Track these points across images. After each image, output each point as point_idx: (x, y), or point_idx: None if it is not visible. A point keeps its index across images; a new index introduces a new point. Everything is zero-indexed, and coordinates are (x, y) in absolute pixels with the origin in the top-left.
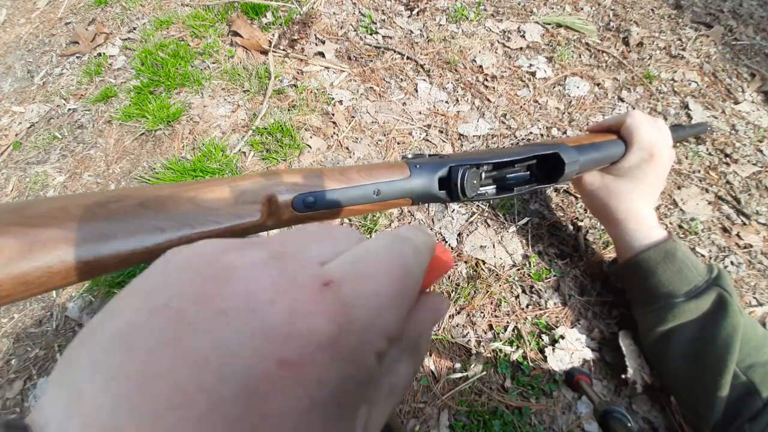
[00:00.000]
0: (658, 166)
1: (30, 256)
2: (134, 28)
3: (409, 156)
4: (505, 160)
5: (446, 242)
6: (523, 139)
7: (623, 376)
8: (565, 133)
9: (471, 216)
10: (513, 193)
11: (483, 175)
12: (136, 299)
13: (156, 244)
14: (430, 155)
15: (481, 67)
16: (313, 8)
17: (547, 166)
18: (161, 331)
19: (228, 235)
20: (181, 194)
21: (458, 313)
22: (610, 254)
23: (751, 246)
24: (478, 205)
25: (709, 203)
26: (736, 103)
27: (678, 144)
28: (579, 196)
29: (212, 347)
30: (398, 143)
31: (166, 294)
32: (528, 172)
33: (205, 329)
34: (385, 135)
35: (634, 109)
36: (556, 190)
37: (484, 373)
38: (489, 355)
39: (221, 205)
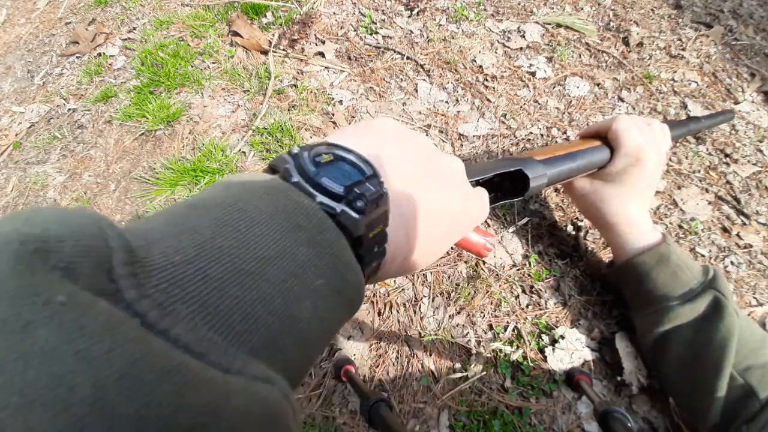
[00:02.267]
0: (646, 170)
1: None
2: (134, 28)
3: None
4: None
5: None
6: (522, 139)
7: (619, 378)
8: (565, 132)
9: None
10: None
11: None
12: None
13: None
14: None
15: (481, 67)
16: (313, 8)
17: (515, 181)
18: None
19: None
20: None
21: (458, 313)
22: (609, 255)
23: (751, 246)
24: None
25: (709, 203)
26: (736, 103)
27: (678, 143)
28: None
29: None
30: None
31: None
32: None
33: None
34: None
35: (634, 109)
36: (556, 190)
37: (484, 373)
38: (489, 355)
39: None
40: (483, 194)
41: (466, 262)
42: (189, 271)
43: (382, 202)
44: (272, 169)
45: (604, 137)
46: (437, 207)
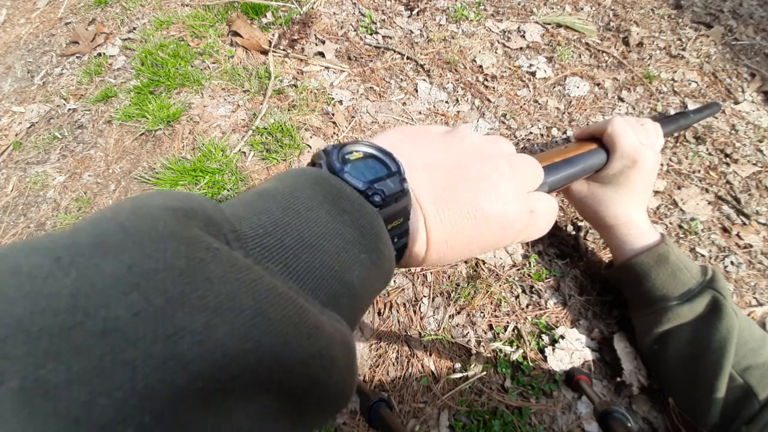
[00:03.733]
0: (642, 171)
1: None
2: (134, 28)
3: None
4: None
5: None
6: (523, 139)
7: (618, 379)
8: (565, 132)
9: None
10: None
11: None
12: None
13: None
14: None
15: (481, 67)
16: (313, 8)
17: None
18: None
19: None
20: None
21: (458, 313)
22: (609, 255)
23: (751, 246)
24: None
25: (709, 203)
26: (736, 103)
27: (678, 143)
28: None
29: None
30: None
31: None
32: None
33: None
34: None
35: (634, 109)
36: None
37: (484, 373)
38: (489, 355)
39: None
40: (541, 205)
41: (466, 262)
42: (270, 241)
43: (402, 199)
44: (312, 163)
45: (600, 139)
46: (469, 209)
